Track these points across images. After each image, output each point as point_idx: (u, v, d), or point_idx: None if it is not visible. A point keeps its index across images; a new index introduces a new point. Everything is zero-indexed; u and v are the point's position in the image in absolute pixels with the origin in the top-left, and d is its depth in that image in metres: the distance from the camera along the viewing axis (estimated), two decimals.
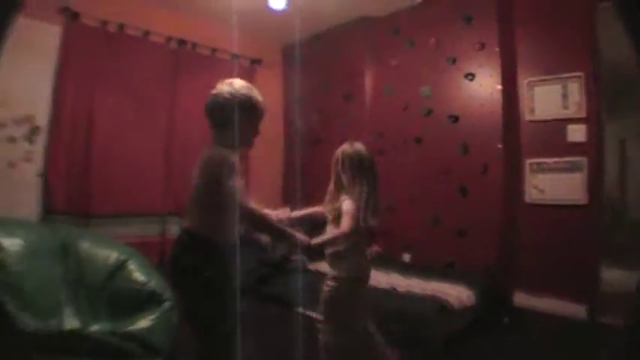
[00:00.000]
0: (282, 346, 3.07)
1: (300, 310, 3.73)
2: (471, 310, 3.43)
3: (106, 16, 4.67)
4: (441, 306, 3.16)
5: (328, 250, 2.41)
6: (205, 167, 2.13)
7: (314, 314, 3.50)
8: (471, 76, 4.25)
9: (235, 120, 2.11)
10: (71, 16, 4.45)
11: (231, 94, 2.15)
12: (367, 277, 2.50)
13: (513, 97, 4.14)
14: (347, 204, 2.28)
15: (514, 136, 4.11)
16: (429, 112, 4.54)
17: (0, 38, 1.20)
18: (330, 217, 2.42)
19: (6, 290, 2.23)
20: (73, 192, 4.46)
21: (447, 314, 3.15)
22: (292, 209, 2.90)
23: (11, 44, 3.68)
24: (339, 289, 2.39)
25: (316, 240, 2.27)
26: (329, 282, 2.44)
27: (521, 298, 3.97)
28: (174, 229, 5.07)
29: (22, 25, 4.11)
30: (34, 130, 4.31)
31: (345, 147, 2.51)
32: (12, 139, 4.20)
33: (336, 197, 2.43)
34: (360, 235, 2.33)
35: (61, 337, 2.26)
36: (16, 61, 4.14)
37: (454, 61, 4.38)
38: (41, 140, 4.37)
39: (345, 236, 2.25)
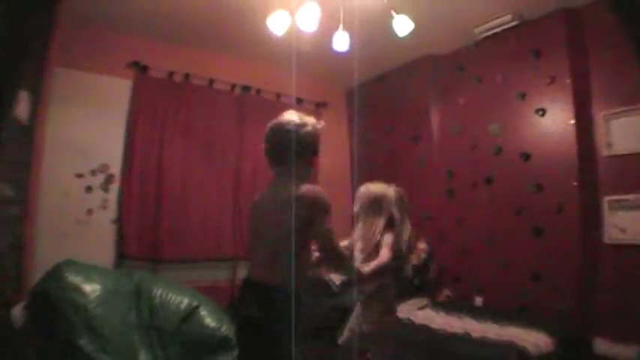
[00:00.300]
0: None
1: (369, 355, 3.80)
2: (550, 357, 3.35)
3: (173, 67, 5.15)
4: (518, 352, 3.12)
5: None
6: (300, 205, 2.03)
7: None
8: (541, 112, 4.28)
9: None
10: (140, 69, 4.97)
11: (313, 126, 2.23)
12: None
13: (588, 131, 4.10)
14: (388, 237, 2.58)
15: (590, 172, 4.06)
16: (499, 150, 4.59)
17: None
18: (363, 252, 2.60)
19: (87, 332, 2.45)
20: (145, 238, 4.82)
21: None
22: None
23: (86, 99, 4.14)
24: None
25: (366, 269, 2.41)
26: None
27: (603, 345, 3.81)
28: (243, 274, 5.29)
29: (96, 81, 4.66)
30: (109, 179, 4.76)
31: (391, 188, 2.95)
32: (89, 189, 4.64)
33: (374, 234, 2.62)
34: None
35: None
36: (92, 114, 4.70)
37: (523, 96, 4.43)
38: (115, 188, 4.80)
39: (387, 264, 2.46)
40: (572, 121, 4.06)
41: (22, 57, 3.64)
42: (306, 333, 4.15)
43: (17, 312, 2.71)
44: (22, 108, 3.78)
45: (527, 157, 4.35)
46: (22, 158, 4.01)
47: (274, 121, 2.26)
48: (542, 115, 4.27)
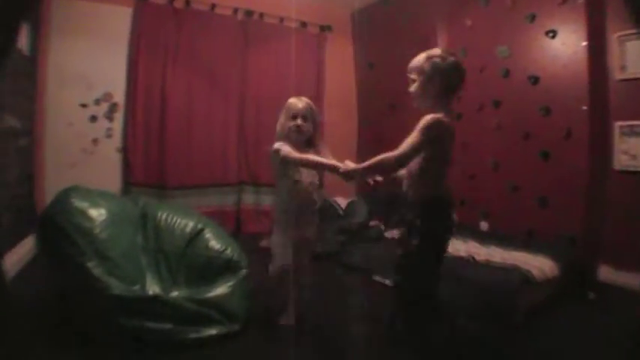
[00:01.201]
0: (357, 312, 3.26)
1: (378, 278, 3.91)
2: (554, 283, 3.38)
3: None
4: (523, 277, 3.13)
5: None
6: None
7: (389, 282, 3.68)
8: (552, 34, 4.13)
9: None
10: None
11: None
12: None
13: (601, 54, 3.95)
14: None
15: (602, 96, 3.95)
16: (507, 73, 4.49)
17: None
18: None
19: (94, 256, 2.53)
20: (151, 165, 4.91)
21: (530, 286, 3.13)
22: None
23: (88, 29, 4.10)
24: None
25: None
26: None
27: (607, 273, 3.86)
28: (248, 199, 5.41)
29: (96, 9, 4.60)
30: (113, 108, 4.80)
31: None
32: (94, 118, 4.68)
33: None
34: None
35: (144, 301, 2.53)
36: (94, 43, 4.69)
37: (533, 18, 4.26)
38: (120, 117, 4.84)
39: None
40: (584, 43, 3.92)
41: None
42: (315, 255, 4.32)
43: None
44: (21, 39, 3.76)
45: (536, 80, 4.24)
46: (26, 89, 4.05)
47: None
48: (553, 37, 4.12)
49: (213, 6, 5.29)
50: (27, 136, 4.14)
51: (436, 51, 2.25)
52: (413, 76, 2.28)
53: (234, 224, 5.47)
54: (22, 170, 4.01)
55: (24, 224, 3.83)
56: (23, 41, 3.86)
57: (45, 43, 4.46)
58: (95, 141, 4.72)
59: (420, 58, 2.24)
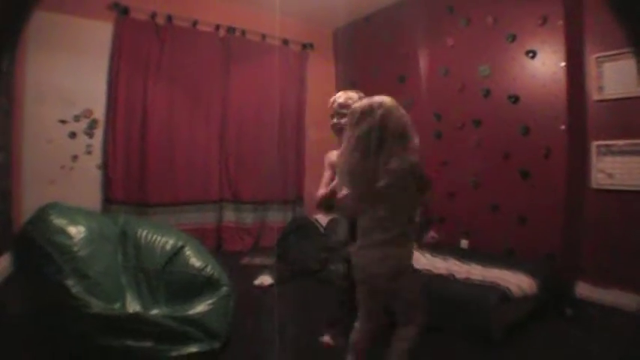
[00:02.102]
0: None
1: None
2: (532, 300, 3.43)
3: (155, 8, 5.05)
4: (501, 294, 3.16)
5: None
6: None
7: None
8: (532, 54, 4.24)
9: None
10: (121, 11, 4.87)
11: None
12: None
13: (579, 74, 4.05)
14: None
15: (580, 116, 4.04)
16: (488, 92, 4.58)
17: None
18: None
19: (72, 274, 2.49)
20: (131, 182, 4.89)
21: (508, 303, 3.16)
22: None
23: (66, 44, 4.09)
24: None
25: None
26: None
27: (585, 289, 3.90)
28: (229, 216, 5.43)
29: (75, 24, 4.61)
30: (93, 124, 4.78)
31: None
32: (73, 134, 4.66)
33: None
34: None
35: (124, 319, 2.49)
36: (73, 59, 4.68)
37: (514, 38, 4.38)
38: (100, 134, 4.82)
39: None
40: (563, 64, 4.02)
41: None
42: (296, 273, 4.31)
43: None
44: None
45: (516, 99, 4.34)
46: (1, 105, 3.99)
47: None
48: (533, 57, 4.23)
49: (195, 22, 5.32)
50: (3, 153, 4.09)
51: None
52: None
53: (216, 242, 5.46)
54: (1, 187, 3.96)
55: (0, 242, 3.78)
56: None
57: (22, 57, 4.42)
58: (75, 157, 4.67)
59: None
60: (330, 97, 6.33)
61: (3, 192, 4.08)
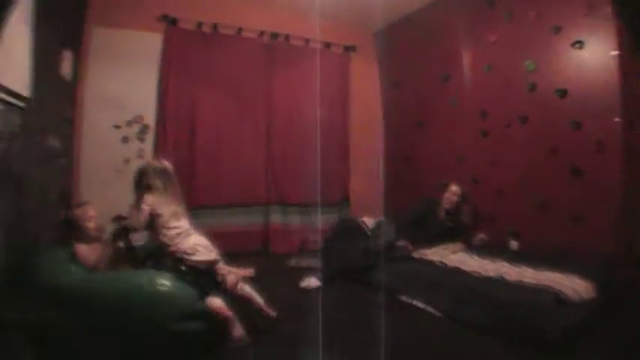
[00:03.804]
0: (383, 332, 3.16)
1: (404, 298, 3.83)
2: (590, 304, 3.16)
3: (201, 18, 5.20)
4: (555, 297, 2.98)
5: None
6: None
7: (418, 302, 3.56)
8: (579, 44, 3.97)
9: None
10: (170, 21, 5.04)
11: None
12: None
13: (633, 63, 3.76)
14: None
15: (635, 107, 3.74)
16: (534, 87, 4.34)
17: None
18: None
19: None
20: (180, 184, 4.94)
21: (563, 307, 2.96)
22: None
23: (120, 55, 4.32)
24: None
25: None
26: None
27: None
28: (276, 218, 5.46)
29: (128, 36, 4.82)
30: (144, 129, 4.94)
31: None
32: (126, 139, 4.83)
33: None
34: None
35: None
36: (126, 69, 4.90)
37: (559, 29, 4.12)
38: (150, 138, 4.99)
39: None
40: (615, 52, 3.75)
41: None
42: (341, 275, 4.26)
43: None
44: (65, 66, 3.96)
45: (563, 93, 4.08)
46: (66, 113, 4.23)
47: None
48: (580, 48, 3.96)
49: (240, 29, 5.41)
50: (66, 156, 4.30)
51: None
52: None
53: (262, 244, 5.47)
54: (61, 188, 4.16)
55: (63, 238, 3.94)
56: (67, 69, 4.05)
57: (84, 69, 4.67)
58: (127, 161, 4.82)
59: None
60: (375, 99, 6.34)
61: (65, 193, 4.27)
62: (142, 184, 3.02)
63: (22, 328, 2.32)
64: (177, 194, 3.14)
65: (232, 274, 2.95)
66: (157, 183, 3.03)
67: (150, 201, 2.90)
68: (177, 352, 2.51)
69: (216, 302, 2.70)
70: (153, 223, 2.89)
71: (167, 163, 3.26)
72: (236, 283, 2.95)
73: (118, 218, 3.06)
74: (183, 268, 2.79)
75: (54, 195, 3.86)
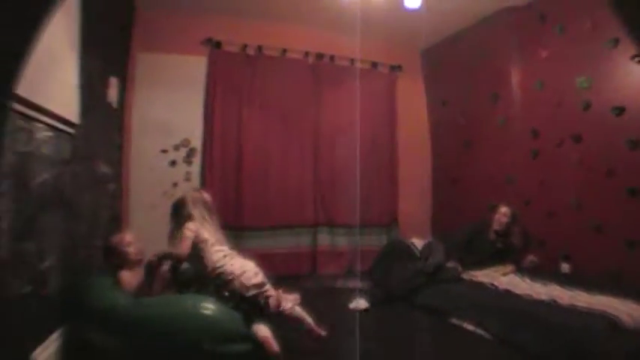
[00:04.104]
0: (432, 355, 3.14)
1: (455, 320, 3.76)
2: None
3: (245, 40, 5.25)
4: (610, 323, 2.84)
5: None
6: None
7: (468, 325, 3.50)
8: (638, 58, 3.75)
9: None
10: (214, 45, 5.11)
11: None
12: None
13: None
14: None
15: None
16: (588, 105, 4.16)
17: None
18: None
19: None
20: (227, 207, 5.01)
21: (618, 333, 2.81)
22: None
23: (166, 79, 4.42)
24: None
25: None
26: None
27: None
28: (323, 240, 5.45)
29: (172, 61, 4.91)
30: (191, 152, 5.01)
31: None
32: (173, 163, 4.91)
33: None
34: None
35: None
36: (172, 93, 5.01)
37: (616, 42, 3.91)
38: (197, 161, 5.06)
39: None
40: None
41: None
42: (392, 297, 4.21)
43: None
44: (112, 93, 4.05)
45: (620, 110, 3.88)
46: (114, 139, 4.34)
47: None
48: None
49: (285, 51, 5.42)
50: (115, 181, 4.39)
51: None
52: None
53: (310, 265, 5.45)
54: (112, 212, 4.24)
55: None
56: (113, 95, 4.15)
57: (130, 95, 4.78)
58: (175, 184, 4.89)
59: None
60: (421, 119, 6.25)
61: (115, 217, 4.36)
62: (182, 214, 3.04)
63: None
64: (217, 223, 3.14)
65: (280, 297, 2.93)
66: (197, 212, 3.05)
67: (193, 227, 2.92)
68: None
69: (262, 331, 2.69)
70: (197, 250, 2.90)
71: (206, 194, 3.27)
72: (288, 306, 2.93)
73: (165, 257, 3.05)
74: (227, 293, 2.79)
75: (104, 219, 3.95)
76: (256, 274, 2.92)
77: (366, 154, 5.64)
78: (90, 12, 3.10)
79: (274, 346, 2.66)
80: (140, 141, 4.84)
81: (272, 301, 2.84)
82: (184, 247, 2.87)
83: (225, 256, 2.90)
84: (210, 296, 2.74)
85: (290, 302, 2.98)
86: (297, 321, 2.94)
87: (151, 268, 2.98)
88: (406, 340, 3.44)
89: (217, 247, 2.95)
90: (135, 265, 3.06)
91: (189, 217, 2.99)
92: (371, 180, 5.74)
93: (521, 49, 4.91)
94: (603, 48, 4.03)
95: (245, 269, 2.89)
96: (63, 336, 2.71)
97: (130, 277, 2.96)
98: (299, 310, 2.98)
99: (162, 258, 2.96)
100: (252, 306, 2.81)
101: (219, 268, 2.83)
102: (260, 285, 2.87)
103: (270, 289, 2.93)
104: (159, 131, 4.90)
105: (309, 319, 2.97)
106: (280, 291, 2.84)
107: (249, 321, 2.70)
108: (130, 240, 3.11)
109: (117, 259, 3.02)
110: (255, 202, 5.17)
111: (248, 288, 2.79)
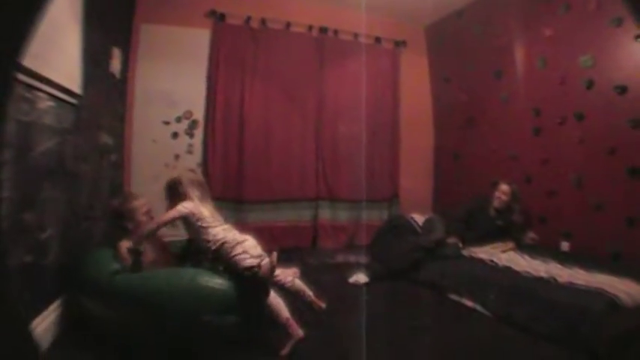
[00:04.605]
0: (431, 331, 3.16)
1: (454, 296, 3.80)
2: None
3: (249, 13, 5.18)
4: (609, 301, 2.85)
5: None
6: None
7: (467, 301, 3.57)
8: None
9: None
10: (218, 17, 5.05)
11: None
12: None
13: None
14: None
15: None
16: (591, 84, 4.14)
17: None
18: None
19: None
20: (229, 180, 5.03)
21: (617, 311, 2.83)
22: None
23: (169, 51, 4.39)
24: None
25: None
26: None
27: None
28: (324, 214, 5.46)
29: (176, 33, 4.88)
30: (193, 125, 5.00)
31: None
32: (175, 135, 4.91)
33: None
34: None
35: None
36: (175, 65, 4.96)
37: (620, 21, 3.87)
38: (200, 134, 5.04)
39: None
40: None
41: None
42: (391, 272, 4.23)
43: None
44: (115, 63, 4.03)
45: (623, 90, 3.86)
46: (117, 110, 4.33)
47: None
48: None
49: (289, 24, 5.37)
50: (117, 152, 4.40)
51: None
52: None
53: (311, 239, 5.47)
54: (113, 183, 4.26)
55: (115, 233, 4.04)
56: (116, 66, 4.13)
57: (133, 66, 4.75)
58: (177, 156, 4.91)
59: None
60: (425, 95, 6.22)
61: (116, 188, 4.38)
62: (177, 193, 2.92)
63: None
64: (212, 204, 3.10)
65: (274, 262, 2.92)
66: (193, 192, 2.99)
67: (189, 205, 2.89)
68: (214, 344, 2.55)
69: (284, 313, 2.70)
70: (196, 226, 2.88)
71: (200, 175, 3.18)
72: (289, 279, 2.94)
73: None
74: (221, 267, 2.79)
75: (106, 190, 3.96)
76: (255, 246, 2.91)
77: (369, 130, 5.64)
78: None
79: (299, 331, 2.64)
80: (143, 112, 4.82)
81: (264, 266, 2.79)
82: (162, 221, 2.78)
83: (224, 229, 2.90)
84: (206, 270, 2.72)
85: (290, 275, 3.00)
86: (298, 294, 2.95)
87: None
88: (404, 315, 3.46)
89: (216, 223, 2.95)
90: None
91: (185, 196, 2.95)
92: (373, 155, 5.74)
93: (525, 26, 4.86)
94: (607, 27, 3.99)
95: (244, 241, 2.87)
96: (62, 306, 2.74)
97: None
98: (299, 283, 2.98)
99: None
100: (248, 278, 2.79)
101: (220, 240, 2.82)
102: (258, 256, 2.86)
103: (265, 260, 2.91)
104: (161, 103, 4.89)
105: (309, 292, 2.97)
106: (274, 255, 2.82)
107: (244, 293, 2.69)
108: (146, 210, 3.03)
109: (124, 227, 2.92)
110: (257, 175, 5.16)
111: (246, 260, 2.78)
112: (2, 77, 1.14)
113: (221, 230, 2.81)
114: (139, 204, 3.03)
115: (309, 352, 2.62)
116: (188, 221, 2.81)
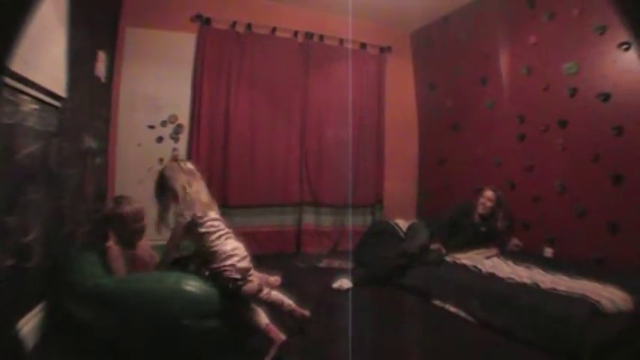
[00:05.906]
0: (415, 337, 3.19)
1: (437, 302, 3.81)
2: (628, 317, 3.00)
3: (235, 17, 5.18)
4: (591, 308, 2.86)
5: None
6: None
7: (450, 307, 3.57)
8: (625, 46, 3.76)
9: None
10: (203, 22, 5.03)
11: None
12: None
13: None
14: None
15: None
16: (575, 91, 4.16)
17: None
18: None
19: None
20: (213, 184, 4.95)
21: (599, 318, 2.85)
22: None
23: (155, 55, 4.39)
24: None
25: None
26: None
27: None
28: (308, 219, 5.46)
29: (161, 37, 4.84)
30: (178, 129, 4.96)
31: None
32: (160, 139, 4.89)
33: None
34: None
35: None
36: (160, 69, 4.92)
37: (603, 29, 3.91)
38: (184, 138, 5.01)
39: None
40: None
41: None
42: (375, 277, 4.24)
43: None
44: (100, 67, 4.01)
45: (606, 97, 3.89)
46: (102, 113, 4.30)
47: None
48: (627, 49, 3.73)
49: (274, 29, 5.36)
50: (102, 156, 4.36)
51: None
52: None
53: (294, 244, 5.46)
54: (98, 186, 4.22)
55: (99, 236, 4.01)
56: (101, 69, 4.10)
57: (118, 70, 4.71)
58: (161, 160, 4.83)
59: None
60: (410, 101, 6.27)
61: (101, 191, 4.35)
62: (166, 190, 2.83)
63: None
64: (205, 188, 3.00)
65: (259, 280, 2.86)
66: (179, 185, 2.82)
67: (189, 213, 2.79)
68: (196, 350, 2.51)
69: (264, 320, 2.66)
70: (192, 231, 2.80)
71: (184, 162, 3.03)
72: (262, 291, 2.82)
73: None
74: (207, 273, 2.75)
75: (90, 194, 3.93)
76: (244, 258, 2.83)
77: (354, 135, 5.64)
78: None
79: (280, 334, 2.59)
80: (127, 116, 4.78)
81: (249, 287, 2.75)
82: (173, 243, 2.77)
83: (219, 237, 2.80)
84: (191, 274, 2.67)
85: (267, 286, 2.90)
86: (275, 306, 2.86)
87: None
88: (387, 320, 3.46)
89: (214, 223, 2.83)
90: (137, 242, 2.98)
91: (173, 196, 2.85)
92: (357, 160, 5.74)
93: (510, 33, 4.89)
94: (591, 35, 4.01)
95: (235, 253, 2.79)
96: (45, 310, 2.70)
97: (118, 252, 2.82)
98: (275, 295, 2.89)
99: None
100: (230, 288, 2.73)
101: (212, 247, 2.75)
102: (245, 270, 2.78)
103: (254, 275, 2.84)
104: (146, 107, 4.85)
105: (288, 302, 2.90)
106: (263, 276, 2.80)
107: (226, 298, 2.65)
108: (142, 215, 2.97)
109: (116, 231, 2.87)
110: (242, 180, 5.14)
111: (233, 272, 2.72)
112: None
113: (216, 238, 2.73)
114: (133, 208, 2.95)
115: (294, 357, 2.60)
116: (190, 229, 2.75)
